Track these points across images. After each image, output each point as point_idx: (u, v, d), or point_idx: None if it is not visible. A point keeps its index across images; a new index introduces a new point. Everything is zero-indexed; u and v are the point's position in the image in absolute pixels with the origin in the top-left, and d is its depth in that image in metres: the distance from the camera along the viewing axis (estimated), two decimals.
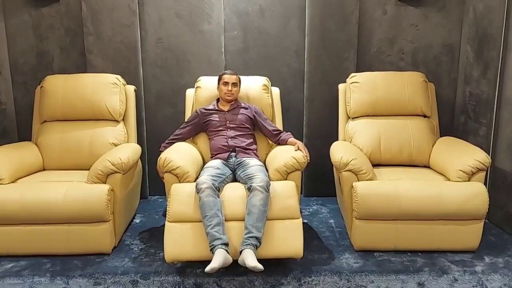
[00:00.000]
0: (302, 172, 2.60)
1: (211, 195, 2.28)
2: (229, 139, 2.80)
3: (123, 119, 3.09)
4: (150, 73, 3.44)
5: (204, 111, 2.92)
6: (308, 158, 2.57)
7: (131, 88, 3.17)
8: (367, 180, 2.52)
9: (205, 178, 2.37)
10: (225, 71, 2.93)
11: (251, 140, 2.88)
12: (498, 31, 2.88)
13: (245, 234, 2.20)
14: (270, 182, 2.38)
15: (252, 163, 2.60)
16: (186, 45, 3.41)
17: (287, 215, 2.33)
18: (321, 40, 3.32)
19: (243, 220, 2.26)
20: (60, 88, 3.02)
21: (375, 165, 2.88)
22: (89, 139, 2.95)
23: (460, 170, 2.51)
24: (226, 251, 2.14)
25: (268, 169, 2.62)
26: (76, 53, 3.39)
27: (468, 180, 2.51)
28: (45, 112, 3.03)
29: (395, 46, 3.42)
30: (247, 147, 2.80)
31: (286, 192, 2.39)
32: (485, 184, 2.52)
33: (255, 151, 2.84)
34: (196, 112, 2.95)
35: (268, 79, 3.15)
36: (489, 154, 2.83)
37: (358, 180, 2.53)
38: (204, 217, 2.23)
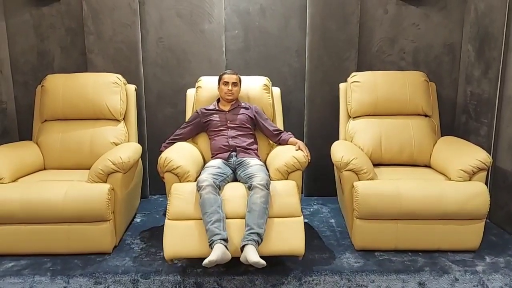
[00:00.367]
0: (302, 172, 2.59)
1: (211, 192, 2.28)
2: (230, 139, 2.80)
3: (123, 119, 3.09)
4: (151, 73, 3.44)
5: (205, 111, 2.92)
6: (309, 158, 2.57)
7: (131, 88, 3.17)
8: (368, 179, 2.52)
9: (206, 176, 2.37)
10: (226, 71, 2.93)
11: (252, 140, 2.88)
12: (499, 30, 2.88)
13: (246, 231, 2.19)
14: (271, 181, 2.38)
15: (253, 163, 2.59)
16: (186, 44, 3.40)
17: (288, 213, 2.33)
18: (322, 40, 3.32)
19: (244, 218, 2.26)
20: (61, 87, 3.02)
21: (376, 164, 2.88)
22: (90, 139, 2.95)
23: (461, 170, 2.50)
24: (225, 246, 2.13)
25: (269, 169, 2.62)
26: (77, 53, 3.39)
27: (469, 180, 2.51)
28: (46, 112, 3.04)
29: (396, 45, 3.42)
30: (247, 147, 2.80)
31: (287, 191, 2.39)
32: (486, 183, 2.52)
33: (255, 151, 2.84)
34: (197, 112, 2.95)
35: (268, 79, 3.15)
36: (490, 154, 2.83)
37: (359, 180, 2.52)
38: (204, 213, 2.23)
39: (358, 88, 3.07)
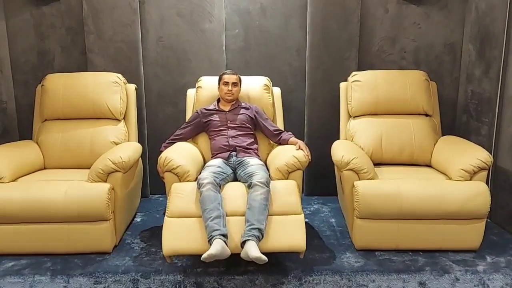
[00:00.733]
0: (303, 172, 2.59)
1: (212, 189, 2.28)
2: (230, 139, 2.79)
3: (124, 118, 3.09)
4: (151, 72, 3.44)
5: (205, 111, 2.92)
6: (310, 157, 2.57)
7: (132, 87, 3.17)
8: (368, 179, 2.52)
9: (207, 174, 2.37)
10: (225, 71, 2.93)
11: (252, 140, 2.87)
12: (500, 29, 2.87)
13: (247, 227, 2.17)
14: (271, 181, 2.38)
15: (253, 162, 2.59)
16: (187, 44, 3.40)
17: (289, 211, 2.32)
18: (322, 39, 3.31)
19: (244, 216, 2.24)
20: (61, 87, 3.02)
21: (377, 164, 2.87)
22: (90, 138, 2.95)
23: (462, 169, 2.50)
24: (225, 242, 2.11)
25: (269, 169, 2.62)
26: (77, 52, 3.39)
27: (470, 179, 2.50)
28: (46, 111, 3.03)
29: (396, 44, 3.41)
30: (248, 146, 2.80)
31: (288, 190, 2.39)
32: (487, 183, 2.51)
33: (256, 151, 2.84)
34: (197, 112, 2.94)
35: (269, 79, 3.14)
36: (491, 153, 2.82)
37: (359, 179, 2.52)
38: (204, 210, 2.22)
39: (358, 87, 3.06)
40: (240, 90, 2.96)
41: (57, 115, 3.04)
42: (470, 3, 3.25)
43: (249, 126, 2.88)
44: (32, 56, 3.39)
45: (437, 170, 2.81)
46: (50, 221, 2.43)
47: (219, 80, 2.92)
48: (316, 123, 3.44)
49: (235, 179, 2.64)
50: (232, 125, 2.84)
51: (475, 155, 2.51)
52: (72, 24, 3.35)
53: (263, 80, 3.11)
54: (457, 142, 2.88)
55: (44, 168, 2.96)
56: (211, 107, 2.94)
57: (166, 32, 3.39)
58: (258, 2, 3.38)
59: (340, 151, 2.61)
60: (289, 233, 2.26)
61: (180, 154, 2.58)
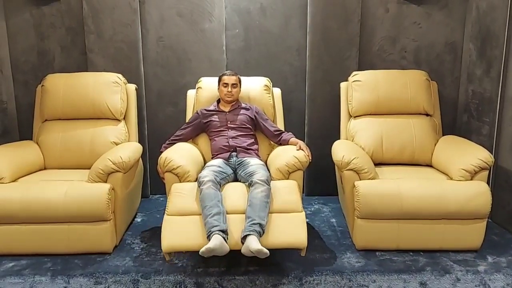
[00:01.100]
0: (303, 172, 2.58)
1: (212, 187, 2.28)
2: (230, 139, 2.79)
3: (124, 118, 3.09)
4: (151, 72, 3.44)
5: (205, 112, 2.91)
6: (310, 158, 2.56)
7: (132, 87, 3.17)
8: (369, 179, 2.51)
9: (208, 172, 2.38)
10: (225, 72, 2.92)
11: (253, 140, 2.87)
12: (501, 29, 2.86)
13: (248, 222, 2.16)
14: (272, 181, 2.37)
15: (253, 162, 2.59)
16: (187, 43, 3.40)
17: (290, 209, 2.31)
18: (322, 39, 3.30)
19: (244, 213, 2.23)
20: (61, 87, 3.02)
21: (377, 164, 2.87)
22: (90, 138, 2.95)
23: (463, 169, 2.49)
24: (224, 239, 2.10)
25: (270, 169, 2.62)
26: (77, 52, 3.39)
27: (471, 179, 2.50)
28: (46, 111, 3.03)
29: (397, 44, 3.41)
30: (248, 147, 2.79)
31: (288, 189, 2.39)
32: (488, 183, 2.51)
33: (256, 151, 2.83)
34: (197, 113, 2.94)
35: (269, 80, 3.14)
36: (492, 153, 2.81)
37: (360, 179, 2.52)
38: (204, 207, 2.22)
39: (359, 87, 3.06)
40: (240, 90, 2.96)
41: (57, 115, 3.03)
42: (470, 2, 3.25)
43: (249, 126, 2.88)
44: (32, 56, 3.38)
45: (437, 170, 2.81)
46: (50, 222, 2.43)
47: (219, 81, 2.91)
48: (317, 123, 3.43)
49: (236, 179, 2.63)
50: (232, 125, 2.84)
51: (476, 155, 2.51)
52: (72, 24, 3.35)
53: (263, 81, 3.11)
54: (458, 142, 2.88)
55: (45, 168, 2.96)
56: (211, 107, 2.93)
57: (166, 32, 3.38)
58: (258, 2, 3.38)
59: (340, 151, 2.61)
60: (290, 229, 2.24)
61: (180, 154, 2.58)
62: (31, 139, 3.10)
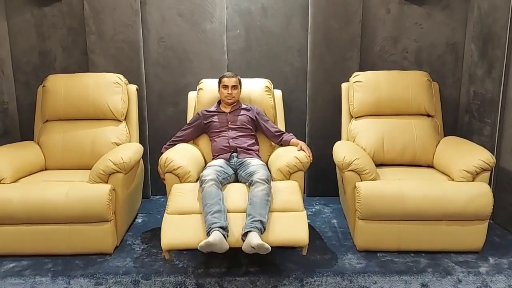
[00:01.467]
0: (304, 172, 2.58)
1: (214, 186, 2.28)
2: (231, 140, 2.79)
3: (125, 119, 3.09)
4: (152, 73, 3.44)
5: (206, 113, 2.91)
6: (311, 158, 2.56)
7: (133, 88, 3.16)
8: (370, 180, 2.51)
9: (210, 171, 2.39)
10: (225, 74, 2.91)
11: (253, 141, 2.87)
12: (503, 29, 2.86)
13: (249, 219, 2.15)
14: (273, 181, 2.37)
15: (254, 163, 2.59)
16: (188, 44, 3.39)
17: (291, 208, 2.31)
18: (324, 39, 3.30)
19: (245, 212, 2.23)
20: (62, 87, 3.02)
21: (378, 165, 2.86)
22: (91, 139, 2.95)
23: (464, 170, 2.49)
24: (224, 236, 2.08)
25: (271, 169, 2.61)
26: (78, 53, 3.39)
27: (472, 180, 2.49)
28: (47, 112, 3.03)
29: (398, 45, 3.40)
30: (248, 147, 2.79)
31: (289, 189, 2.39)
32: (489, 184, 2.50)
33: (257, 152, 2.83)
34: (198, 114, 2.94)
35: (270, 81, 3.14)
36: (493, 154, 2.81)
37: (361, 180, 2.51)
38: (205, 205, 2.21)
39: (360, 88, 3.05)
40: (240, 92, 2.95)
41: (58, 115, 3.03)
42: (472, 3, 3.24)
43: (250, 127, 2.87)
44: (34, 56, 3.39)
45: (439, 171, 2.80)
46: (51, 222, 2.43)
47: (219, 83, 2.91)
48: (318, 123, 3.43)
49: (236, 180, 2.63)
50: (232, 126, 2.84)
51: (477, 156, 2.50)
52: (73, 25, 3.35)
53: (264, 82, 3.11)
54: (459, 142, 2.87)
55: (45, 169, 2.96)
56: (212, 108, 2.94)
57: (167, 33, 3.38)
58: (259, 2, 3.37)
59: (341, 151, 2.60)
60: (291, 227, 2.23)
61: (181, 155, 2.58)
62: (32, 140, 3.10)
